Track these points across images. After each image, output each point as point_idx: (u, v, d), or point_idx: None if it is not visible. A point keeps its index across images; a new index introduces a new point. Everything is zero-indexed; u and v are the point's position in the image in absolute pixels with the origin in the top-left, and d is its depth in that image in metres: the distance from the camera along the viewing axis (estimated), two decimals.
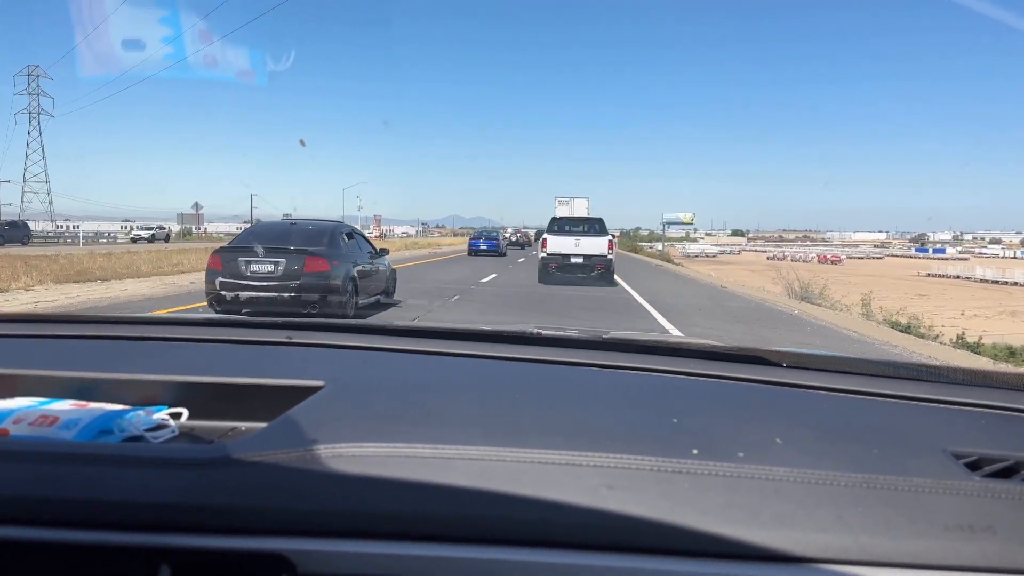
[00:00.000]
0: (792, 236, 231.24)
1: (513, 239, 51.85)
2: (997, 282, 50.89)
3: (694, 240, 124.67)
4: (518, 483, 0.73)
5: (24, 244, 42.98)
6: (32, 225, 51.17)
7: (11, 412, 0.94)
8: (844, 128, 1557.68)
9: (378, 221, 65.91)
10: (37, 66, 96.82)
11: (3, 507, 0.73)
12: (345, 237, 9.87)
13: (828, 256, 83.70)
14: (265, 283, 8.59)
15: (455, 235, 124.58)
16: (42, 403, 0.99)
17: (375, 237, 48.34)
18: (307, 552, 0.70)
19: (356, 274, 9.47)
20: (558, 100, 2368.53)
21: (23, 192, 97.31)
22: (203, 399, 1.04)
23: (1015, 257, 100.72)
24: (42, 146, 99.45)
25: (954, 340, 11.42)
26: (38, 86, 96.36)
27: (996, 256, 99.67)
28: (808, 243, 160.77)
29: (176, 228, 74.63)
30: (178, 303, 11.74)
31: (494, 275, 20.37)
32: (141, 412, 0.98)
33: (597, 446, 0.79)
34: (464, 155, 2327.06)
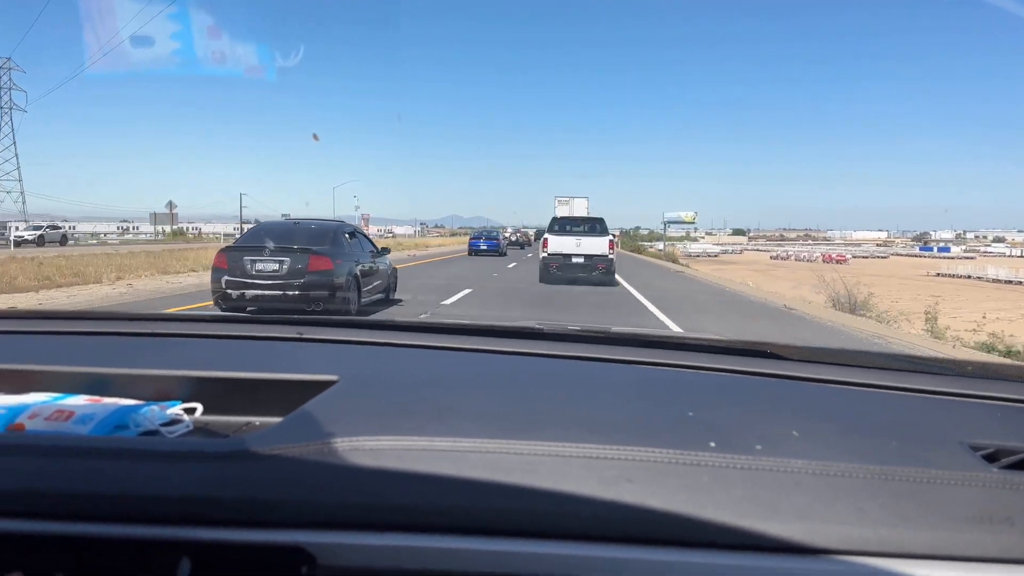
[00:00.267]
0: (793, 235, 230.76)
1: (513, 239, 51.76)
2: (1010, 282, 49.67)
3: (694, 239, 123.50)
4: (535, 476, 0.73)
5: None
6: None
7: (26, 407, 0.94)
8: (844, 127, 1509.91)
9: (366, 220, 64.46)
10: (8, 59, 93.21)
11: (22, 501, 0.73)
12: (347, 236, 10.03)
13: (833, 255, 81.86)
14: (270, 281, 8.73)
15: (453, 235, 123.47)
16: (56, 398, 0.99)
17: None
18: (326, 544, 0.71)
19: (359, 272, 9.63)
20: (557, 99, 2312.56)
21: None
22: (216, 394, 1.05)
23: (1022, 256, 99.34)
24: (15, 143, 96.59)
25: None
26: (10, 79, 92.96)
27: (1003, 255, 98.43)
28: (810, 242, 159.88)
29: (149, 227, 69.62)
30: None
31: (496, 274, 20.28)
32: (155, 407, 0.99)
33: (614, 439, 0.79)
34: (463, 155, 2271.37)
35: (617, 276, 18.08)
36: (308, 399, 0.93)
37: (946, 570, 0.67)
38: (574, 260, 16.69)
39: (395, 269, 11.98)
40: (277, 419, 0.89)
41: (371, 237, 11.56)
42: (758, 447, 0.79)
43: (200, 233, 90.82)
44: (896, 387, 1.07)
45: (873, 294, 15.22)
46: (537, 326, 1.42)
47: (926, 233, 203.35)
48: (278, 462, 0.75)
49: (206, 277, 12.00)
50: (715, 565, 0.68)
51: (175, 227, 55.35)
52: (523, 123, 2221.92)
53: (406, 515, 0.72)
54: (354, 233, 10.47)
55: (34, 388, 1.04)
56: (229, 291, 8.78)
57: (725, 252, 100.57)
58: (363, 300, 9.83)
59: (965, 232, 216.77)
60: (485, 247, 36.32)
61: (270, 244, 8.92)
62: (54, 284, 14.78)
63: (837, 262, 73.75)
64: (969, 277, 55.26)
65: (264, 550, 0.71)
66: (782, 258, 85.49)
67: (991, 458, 0.80)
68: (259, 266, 8.80)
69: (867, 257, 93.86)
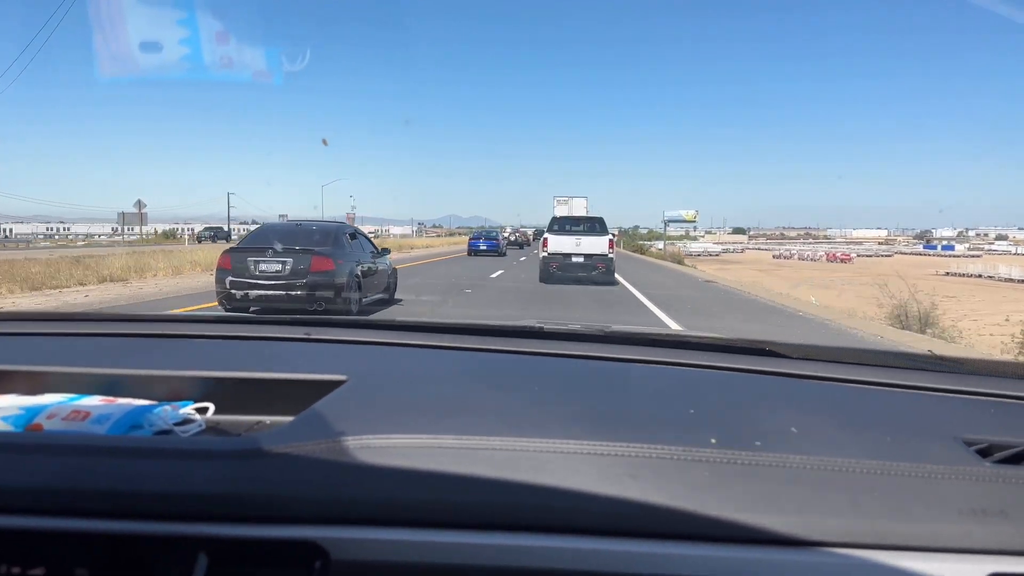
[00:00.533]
0: (793, 234, 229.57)
1: (512, 239, 51.93)
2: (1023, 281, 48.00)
3: (694, 238, 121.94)
4: (543, 472, 0.75)
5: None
6: None
7: (44, 408, 0.96)
8: (843, 125, 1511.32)
9: (351, 220, 62.78)
10: None
11: (43, 499, 0.75)
12: (348, 237, 10.19)
13: (837, 254, 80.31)
14: (273, 282, 8.92)
15: (451, 235, 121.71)
16: (72, 399, 1.01)
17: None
18: (339, 540, 0.72)
19: (360, 273, 9.79)
20: (556, 99, 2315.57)
21: None
22: (228, 394, 1.07)
23: None
24: None
25: None
26: None
27: (1007, 252, 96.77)
28: (811, 241, 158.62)
29: (115, 228, 64.97)
30: None
31: (501, 271, 19.88)
32: (168, 407, 1.00)
33: (619, 436, 0.81)
34: (462, 154, 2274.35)
35: (633, 289, 16.10)
36: (318, 398, 0.95)
37: (941, 562, 0.69)
38: (574, 259, 16.67)
39: (395, 269, 12.10)
40: (287, 418, 0.91)
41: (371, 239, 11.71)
42: (758, 443, 0.80)
43: (195, 234, 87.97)
44: (892, 384, 1.09)
45: (936, 305, 11.80)
46: (540, 326, 1.44)
47: (927, 231, 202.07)
48: (291, 460, 0.77)
49: None
50: (717, 558, 0.70)
51: (144, 227, 51.55)
52: (521, 122, 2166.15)
53: (416, 511, 0.73)
54: (355, 234, 10.66)
55: (49, 389, 1.06)
56: (233, 291, 8.97)
57: (726, 251, 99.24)
58: (364, 300, 10.00)
59: (967, 230, 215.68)
60: (485, 247, 36.52)
61: (275, 246, 9.10)
62: None
63: (842, 261, 72.39)
64: (980, 276, 53.60)
65: (278, 545, 0.73)
66: (785, 257, 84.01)
67: (985, 453, 0.82)
68: (262, 267, 8.99)
69: (871, 256, 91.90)
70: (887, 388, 1.08)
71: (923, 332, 10.91)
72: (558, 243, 16.90)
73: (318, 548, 0.72)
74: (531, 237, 57.27)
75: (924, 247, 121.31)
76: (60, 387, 1.07)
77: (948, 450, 0.81)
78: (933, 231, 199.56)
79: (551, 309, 12.22)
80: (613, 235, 17.92)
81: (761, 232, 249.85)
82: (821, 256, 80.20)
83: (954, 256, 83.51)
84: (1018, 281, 48.77)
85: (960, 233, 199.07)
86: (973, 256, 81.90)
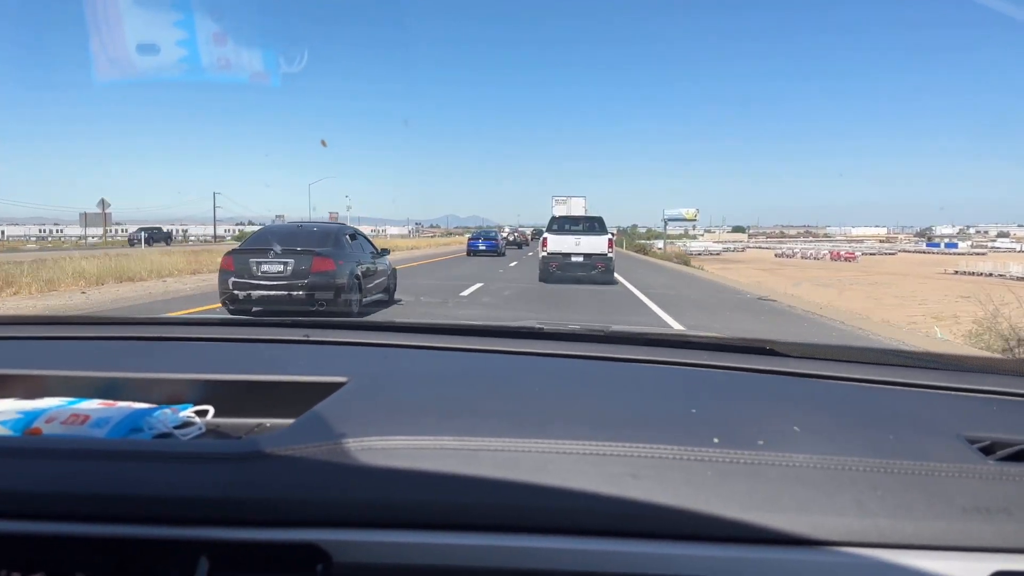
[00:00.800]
0: (793, 232, 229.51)
1: (510, 239, 52.07)
2: None
3: (693, 237, 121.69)
4: (545, 473, 0.75)
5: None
6: None
7: (43, 412, 0.96)
8: (842, 123, 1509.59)
9: (334, 219, 62.59)
10: None
11: (43, 503, 0.74)
12: (349, 238, 10.31)
13: (842, 253, 79.18)
14: (275, 283, 9.04)
15: (449, 235, 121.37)
16: (71, 402, 1.01)
17: None
18: (341, 542, 0.72)
19: (360, 273, 9.89)
20: (554, 98, 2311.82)
21: None
22: (228, 396, 1.07)
23: None
24: None
25: None
26: None
27: (1011, 250, 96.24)
28: (811, 239, 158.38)
29: (78, 230, 59.87)
30: None
31: (502, 270, 19.70)
32: (168, 410, 1.00)
33: (621, 436, 0.81)
34: (460, 154, 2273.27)
35: (645, 298, 14.24)
36: (319, 400, 0.95)
37: (945, 560, 0.69)
38: (573, 259, 16.68)
39: (395, 270, 12.16)
40: (288, 421, 0.91)
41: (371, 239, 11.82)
42: (760, 442, 0.80)
43: (187, 236, 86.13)
44: (894, 382, 1.09)
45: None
46: (540, 326, 1.44)
47: (929, 229, 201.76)
48: (292, 462, 0.76)
49: None
50: (720, 558, 0.70)
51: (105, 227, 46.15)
52: (520, 122, 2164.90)
53: (418, 513, 0.73)
54: (355, 235, 10.76)
55: (48, 393, 1.06)
56: (236, 292, 9.08)
57: (727, 250, 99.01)
58: (365, 300, 10.07)
59: (967, 227, 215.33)
60: (484, 247, 36.70)
61: (276, 247, 9.21)
62: None
63: (847, 259, 71.90)
64: (991, 275, 53.06)
65: (280, 548, 0.73)
66: (787, 256, 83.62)
67: (987, 450, 0.82)
68: (264, 268, 9.12)
69: (875, 254, 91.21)
70: (889, 386, 1.07)
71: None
72: (557, 243, 16.89)
73: (320, 551, 0.72)
74: (529, 237, 57.33)
75: (927, 245, 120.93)
76: (59, 391, 1.06)
77: (951, 448, 0.81)
78: (933, 228, 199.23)
79: (550, 309, 12.12)
80: (612, 234, 17.97)
81: (761, 230, 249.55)
82: (824, 255, 79.32)
83: (959, 254, 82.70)
84: None
85: (960, 230, 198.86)
86: (978, 254, 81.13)
